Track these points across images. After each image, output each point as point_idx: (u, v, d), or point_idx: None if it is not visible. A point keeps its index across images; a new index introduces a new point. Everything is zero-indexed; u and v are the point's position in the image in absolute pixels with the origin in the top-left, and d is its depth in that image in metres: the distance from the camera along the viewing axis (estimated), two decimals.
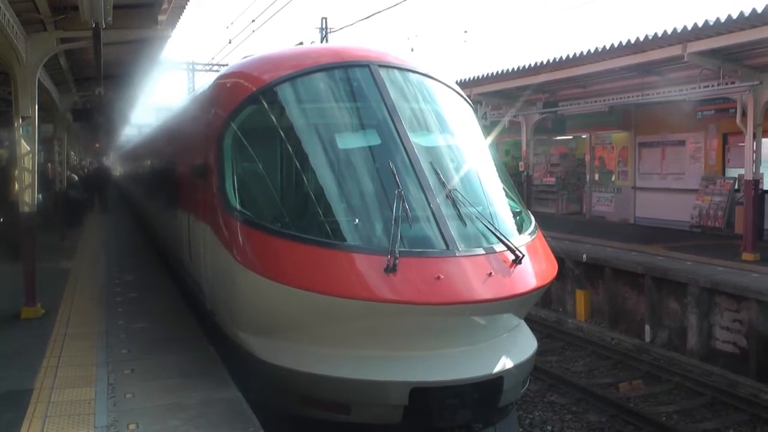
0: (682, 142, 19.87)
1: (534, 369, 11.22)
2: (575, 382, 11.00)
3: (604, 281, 14.66)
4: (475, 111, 8.10)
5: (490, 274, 5.75)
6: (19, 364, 7.45)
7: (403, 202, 5.87)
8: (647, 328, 13.41)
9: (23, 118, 9.71)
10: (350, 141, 6.65)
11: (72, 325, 9.14)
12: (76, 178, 24.87)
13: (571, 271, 15.40)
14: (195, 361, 7.46)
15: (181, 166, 10.12)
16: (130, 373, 7.07)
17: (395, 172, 6.10)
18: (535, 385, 10.90)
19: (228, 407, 6.08)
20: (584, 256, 15.19)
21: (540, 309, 15.58)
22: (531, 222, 7.07)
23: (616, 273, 14.44)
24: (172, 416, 5.87)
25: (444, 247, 5.81)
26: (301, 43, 11.82)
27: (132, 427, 5.67)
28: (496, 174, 7.30)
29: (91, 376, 7.01)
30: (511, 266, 5.95)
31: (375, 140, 6.56)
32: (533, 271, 6.18)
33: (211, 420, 5.79)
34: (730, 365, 11.63)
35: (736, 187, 17.61)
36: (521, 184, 21.73)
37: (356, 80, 6.88)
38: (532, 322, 14.22)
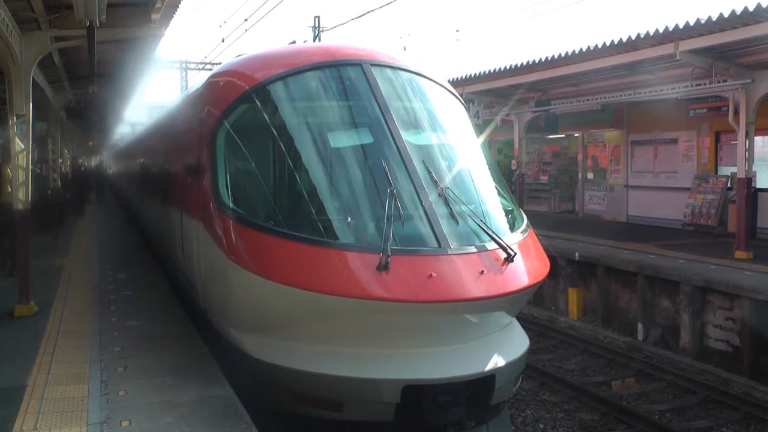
0: (674, 141, 19.94)
1: (526, 367, 11.27)
2: (568, 381, 11.04)
3: (597, 279, 14.71)
4: (468, 110, 8.11)
5: (482, 272, 5.78)
6: (12, 361, 7.46)
7: (396, 200, 5.90)
8: (640, 326, 13.46)
9: (18, 116, 9.72)
10: (342, 139, 6.66)
11: (65, 323, 9.15)
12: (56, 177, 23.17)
13: (564, 269, 15.45)
14: (188, 358, 7.48)
15: (174, 165, 10.12)
16: (123, 370, 7.09)
17: (387, 170, 6.13)
18: (528, 383, 10.94)
19: (220, 405, 6.10)
20: (577, 254, 15.23)
21: (532, 307, 15.62)
22: (523, 220, 7.10)
23: (608, 271, 14.48)
24: (164, 413, 5.89)
25: (436, 245, 5.84)
26: (294, 42, 11.84)
27: (125, 424, 5.69)
28: (489, 172, 7.33)
29: (84, 373, 7.02)
30: (503, 264, 5.98)
31: (367, 139, 6.58)
32: (525, 269, 6.21)
33: (204, 417, 5.80)
34: (723, 363, 11.66)
35: (728, 185, 17.67)
36: (513, 183, 21.78)
37: (348, 79, 6.89)
38: (524, 320, 14.25)
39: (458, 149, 7.26)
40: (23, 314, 9.53)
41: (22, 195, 9.82)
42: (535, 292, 15.89)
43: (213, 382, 6.68)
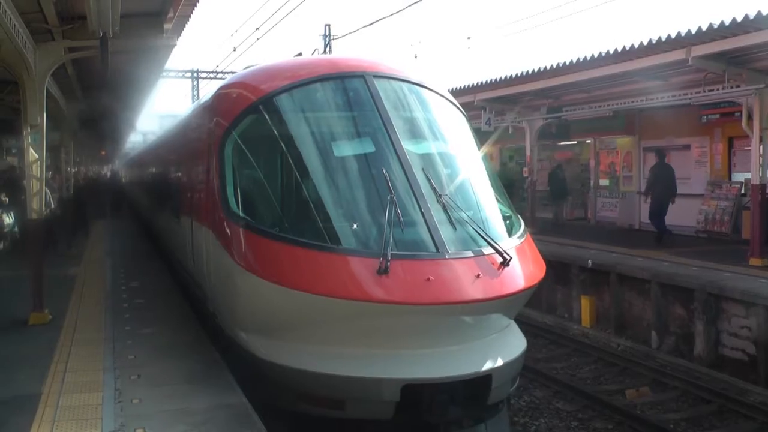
0: (687, 147, 19.82)
1: (539, 375, 11.27)
2: (581, 389, 10.95)
3: (610, 287, 14.60)
4: (468, 119, 8.25)
5: (479, 275, 5.98)
6: (27, 369, 7.54)
7: (396, 207, 6.10)
8: (653, 334, 13.36)
9: (32, 127, 9.82)
10: (345, 149, 6.89)
11: (79, 331, 9.23)
12: (49, 193, 16.00)
13: (576, 276, 15.36)
14: (201, 366, 7.54)
15: (185, 173, 10.32)
16: (136, 378, 7.15)
17: (388, 178, 6.33)
18: (541, 391, 10.90)
19: (234, 412, 6.14)
20: (589, 261, 15.13)
21: (545, 315, 15.56)
22: (520, 226, 7.31)
23: (621, 279, 14.39)
24: (178, 421, 5.93)
25: (434, 250, 6.06)
26: (300, 54, 11.98)
27: (139, 431, 5.72)
28: (487, 180, 7.54)
29: (98, 381, 7.08)
30: (499, 268, 6.18)
31: (369, 148, 6.80)
32: (521, 273, 6.42)
33: (217, 425, 5.85)
34: (738, 372, 11.53)
35: (742, 191, 17.55)
36: (525, 190, 21.73)
37: (352, 90, 7.12)
38: (537, 328, 14.20)
39: (458, 158, 7.49)
40: (37, 322, 9.61)
41: (36, 205, 9.91)
42: (547, 300, 15.90)
43: (226, 390, 6.73)
